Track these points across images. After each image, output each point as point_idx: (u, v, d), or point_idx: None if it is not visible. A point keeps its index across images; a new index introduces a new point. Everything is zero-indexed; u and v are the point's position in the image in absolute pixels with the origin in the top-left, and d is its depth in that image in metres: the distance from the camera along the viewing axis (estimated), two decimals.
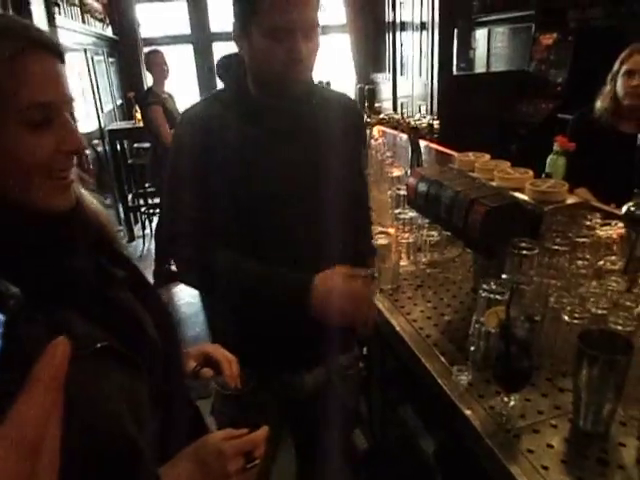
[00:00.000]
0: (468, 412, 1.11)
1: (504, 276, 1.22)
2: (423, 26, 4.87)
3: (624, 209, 1.18)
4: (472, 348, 1.23)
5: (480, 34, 5.47)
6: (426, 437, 1.32)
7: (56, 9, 3.31)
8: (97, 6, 5.13)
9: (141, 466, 0.69)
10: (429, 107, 4.90)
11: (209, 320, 1.38)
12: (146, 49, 4.21)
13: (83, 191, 0.75)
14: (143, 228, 5.26)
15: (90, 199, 0.77)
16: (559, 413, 1.09)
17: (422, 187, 1.49)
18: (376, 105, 2.47)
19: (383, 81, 5.89)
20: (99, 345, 0.66)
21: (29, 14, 2.62)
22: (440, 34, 4.66)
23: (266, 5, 1.04)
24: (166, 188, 1.25)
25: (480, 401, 1.14)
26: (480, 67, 5.51)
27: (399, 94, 5.60)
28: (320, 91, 1.29)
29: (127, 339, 0.72)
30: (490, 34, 5.32)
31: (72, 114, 0.68)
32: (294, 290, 1.13)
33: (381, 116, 2.31)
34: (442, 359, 1.30)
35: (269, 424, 1.31)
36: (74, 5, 4.32)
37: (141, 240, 5.18)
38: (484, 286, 1.17)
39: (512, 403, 1.09)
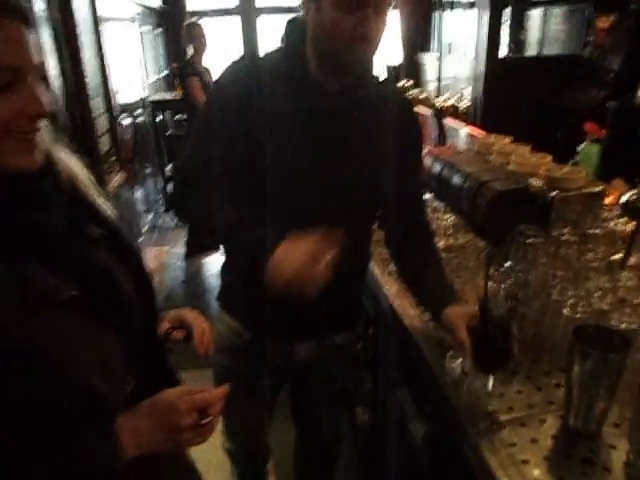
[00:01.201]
0: (456, 399, 1.09)
1: (507, 264, 1.17)
2: (473, 5, 4.68)
3: (623, 199, 1.11)
4: None
5: (534, 14, 5.21)
6: (418, 421, 1.31)
7: None
8: None
9: (105, 416, 0.72)
10: (474, 89, 4.74)
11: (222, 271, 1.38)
12: (187, 21, 4.21)
13: (61, 152, 0.77)
14: None
15: (67, 160, 0.78)
16: (551, 409, 1.05)
17: (436, 168, 1.45)
18: (406, 84, 2.40)
19: (429, 61, 5.73)
20: (66, 296, 0.68)
21: None
22: (490, 13, 4.48)
23: None
24: (196, 125, 1.23)
25: (470, 390, 1.11)
26: (532, 50, 5.27)
27: (444, 75, 5.44)
28: (377, 85, 1.22)
29: (98, 295, 0.74)
30: (545, 15, 5.06)
31: (42, 77, 0.68)
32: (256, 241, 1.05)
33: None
34: (441, 345, 1.27)
35: (264, 382, 1.35)
36: None
37: None
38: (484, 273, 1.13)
39: (490, 385, 1.06)
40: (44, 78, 0.71)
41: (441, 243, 1.75)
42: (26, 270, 0.66)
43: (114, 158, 3.45)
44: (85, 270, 0.74)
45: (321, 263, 0.97)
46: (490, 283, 1.08)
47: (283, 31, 1.21)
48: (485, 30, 4.52)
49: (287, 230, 1.07)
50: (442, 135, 2.01)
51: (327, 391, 1.45)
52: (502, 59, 4.74)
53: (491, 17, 4.47)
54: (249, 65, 1.17)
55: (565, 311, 1.07)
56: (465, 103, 2.35)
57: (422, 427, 1.27)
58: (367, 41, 1.03)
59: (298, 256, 0.97)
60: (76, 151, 0.82)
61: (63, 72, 2.80)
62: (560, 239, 1.14)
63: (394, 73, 1.98)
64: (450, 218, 1.69)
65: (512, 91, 4.46)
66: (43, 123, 0.70)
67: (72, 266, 0.72)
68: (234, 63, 1.17)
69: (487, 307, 0.96)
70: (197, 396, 0.77)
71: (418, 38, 5.78)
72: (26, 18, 0.66)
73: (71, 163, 0.78)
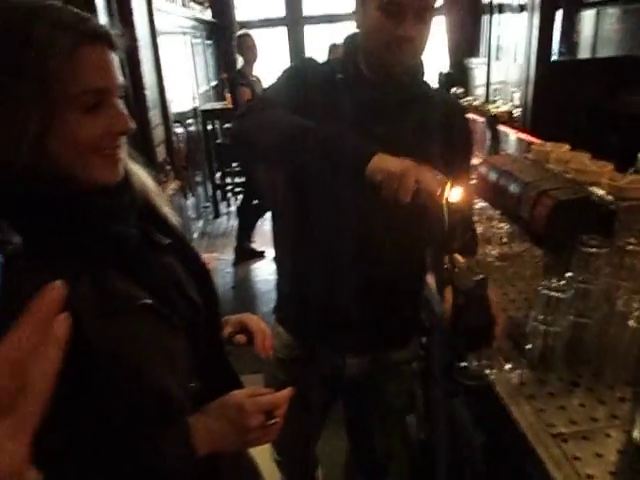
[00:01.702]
0: (516, 411, 1.08)
1: (568, 274, 1.15)
2: (523, 8, 4.60)
3: None
4: (528, 346, 1.18)
5: (587, 15, 5.06)
6: (475, 431, 1.30)
7: None
8: None
9: (176, 415, 0.76)
10: (524, 94, 4.64)
11: (277, 284, 1.41)
12: (239, 32, 4.33)
13: (132, 165, 0.81)
14: (228, 205, 5.47)
15: (139, 173, 0.83)
16: (616, 423, 1.03)
17: (492, 176, 1.44)
18: (457, 91, 2.39)
19: (477, 66, 5.65)
20: (140, 303, 0.72)
21: None
22: (541, 16, 4.38)
23: None
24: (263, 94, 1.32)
25: (530, 401, 1.10)
26: (585, 52, 5.11)
27: (493, 80, 5.35)
28: (427, 87, 1.25)
29: (167, 300, 0.78)
30: (598, 15, 4.91)
31: (121, 97, 0.73)
32: (355, 146, 1.03)
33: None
34: (497, 355, 1.26)
35: (316, 396, 1.37)
36: None
37: (226, 217, 5.41)
38: (543, 283, 1.12)
39: (474, 364, 1.13)
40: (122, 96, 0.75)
41: (495, 251, 1.74)
42: (105, 278, 0.70)
43: (169, 167, 3.58)
44: (156, 277, 0.78)
45: (419, 180, 0.95)
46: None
47: (342, 41, 1.27)
48: (536, 33, 4.43)
49: (338, 223, 1.14)
50: (496, 142, 1.99)
51: (381, 407, 1.45)
52: (553, 62, 4.62)
53: (542, 20, 4.39)
54: (310, 65, 1.24)
55: (630, 323, 1.04)
56: (517, 109, 2.30)
57: (479, 439, 1.26)
58: (406, 42, 1.08)
59: (401, 162, 0.98)
60: (143, 163, 0.87)
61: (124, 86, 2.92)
62: (625, 249, 1.12)
63: (445, 80, 1.98)
64: (505, 226, 1.67)
65: (564, 95, 4.33)
66: (124, 139, 0.75)
67: (145, 273, 0.76)
68: (300, 60, 1.26)
69: (452, 279, 0.96)
70: (264, 398, 0.80)
71: (465, 44, 5.73)
72: (111, 42, 0.71)
73: (143, 175, 0.83)
